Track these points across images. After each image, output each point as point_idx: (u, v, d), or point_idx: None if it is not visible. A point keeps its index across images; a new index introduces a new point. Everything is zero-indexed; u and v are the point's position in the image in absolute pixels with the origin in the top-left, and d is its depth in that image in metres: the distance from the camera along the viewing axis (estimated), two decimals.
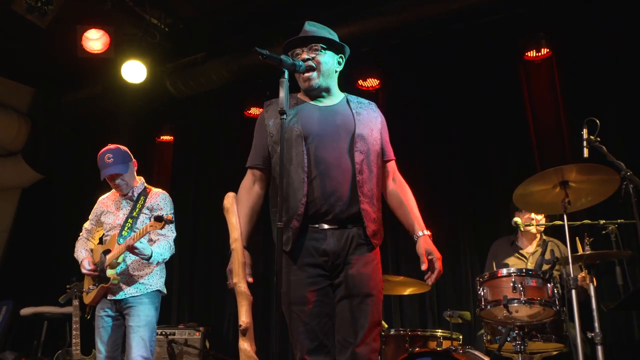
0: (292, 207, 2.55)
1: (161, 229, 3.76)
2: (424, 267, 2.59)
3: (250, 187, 2.78)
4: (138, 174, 4.17)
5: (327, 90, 2.79)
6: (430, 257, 2.60)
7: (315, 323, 2.52)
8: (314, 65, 2.69)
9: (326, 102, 2.79)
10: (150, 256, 3.77)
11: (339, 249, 2.56)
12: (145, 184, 4.15)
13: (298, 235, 2.56)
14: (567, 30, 5.30)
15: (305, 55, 2.70)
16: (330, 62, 2.76)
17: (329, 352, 2.54)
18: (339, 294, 2.58)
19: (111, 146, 4.04)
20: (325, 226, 2.58)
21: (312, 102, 2.77)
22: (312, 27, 2.80)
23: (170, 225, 3.92)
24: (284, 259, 2.57)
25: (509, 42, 5.47)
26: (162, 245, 3.91)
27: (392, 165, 2.85)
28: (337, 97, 2.83)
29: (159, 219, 3.66)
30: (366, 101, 2.88)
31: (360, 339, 2.50)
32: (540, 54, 5.35)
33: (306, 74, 2.69)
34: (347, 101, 2.81)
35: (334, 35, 2.84)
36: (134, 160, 4.11)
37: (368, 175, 2.63)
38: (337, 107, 2.77)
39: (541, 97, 5.37)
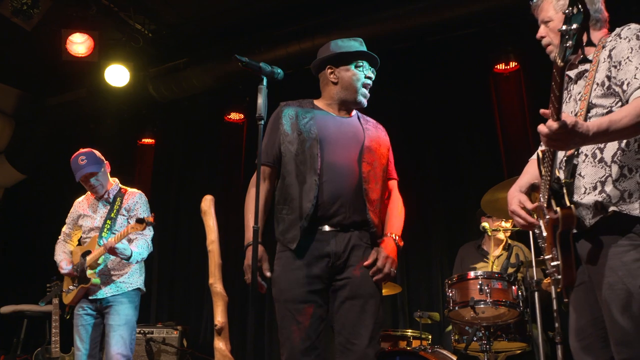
0: (304, 208, 2.59)
1: (142, 230, 3.85)
2: (366, 262, 2.61)
3: (261, 183, 2.70)
4: (120, 176, 4.25)
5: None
6: (380, 254, 2.63)
7: (309, 323, 2.52)
8: (370, 85, 2.88)
9: (342, 115, 2.89)
10: (130, 256, 3.85)
11: (340, 250, 2.59)
12: (120, 185, 4.20)
13: (304, 235, 2.60)
14: (533, 45, 5.45)
15: (370, 74, 2.87)
16: None
17: (319, 355, 2.53)
18: (342, 295, 2.59)
19: (83, 150, 4.09)
20: (328, 228, 2.62)
21: (326, 112, 2.87)
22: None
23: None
24: (285, 256, 2.63)
25: (481, 55, 5.63)
26: (140, 244, 3.98)
27: (392, 184, 2.94)
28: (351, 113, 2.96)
29: (140, 221, 3.75)
30: (375, 121, 3.01)
31: (368, 341, 2.51)
32: (508, 67, 5.53)
33: (365, 90, 2.85)
34: (358, 117, 2.94)
35: None
36: (106, 162, 4.15)
37: (374, 184, 2.71)
38: (350, 120, 2.88)
39: (509, 107, 5.53)
